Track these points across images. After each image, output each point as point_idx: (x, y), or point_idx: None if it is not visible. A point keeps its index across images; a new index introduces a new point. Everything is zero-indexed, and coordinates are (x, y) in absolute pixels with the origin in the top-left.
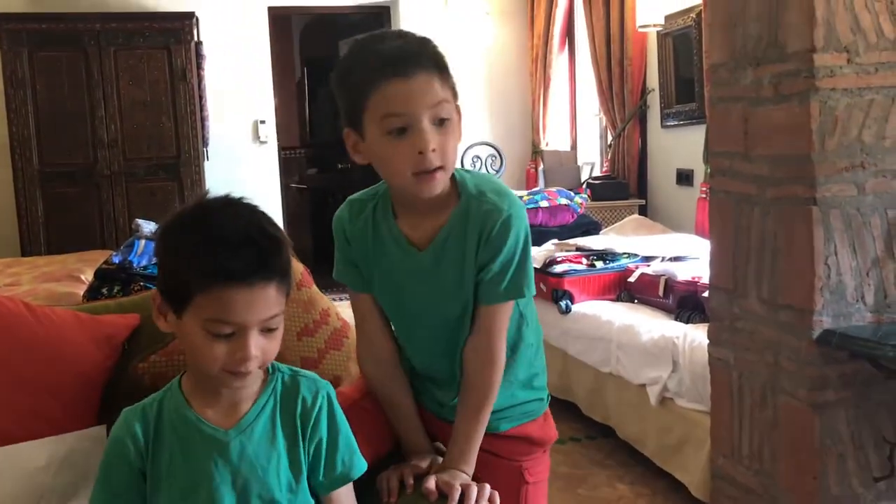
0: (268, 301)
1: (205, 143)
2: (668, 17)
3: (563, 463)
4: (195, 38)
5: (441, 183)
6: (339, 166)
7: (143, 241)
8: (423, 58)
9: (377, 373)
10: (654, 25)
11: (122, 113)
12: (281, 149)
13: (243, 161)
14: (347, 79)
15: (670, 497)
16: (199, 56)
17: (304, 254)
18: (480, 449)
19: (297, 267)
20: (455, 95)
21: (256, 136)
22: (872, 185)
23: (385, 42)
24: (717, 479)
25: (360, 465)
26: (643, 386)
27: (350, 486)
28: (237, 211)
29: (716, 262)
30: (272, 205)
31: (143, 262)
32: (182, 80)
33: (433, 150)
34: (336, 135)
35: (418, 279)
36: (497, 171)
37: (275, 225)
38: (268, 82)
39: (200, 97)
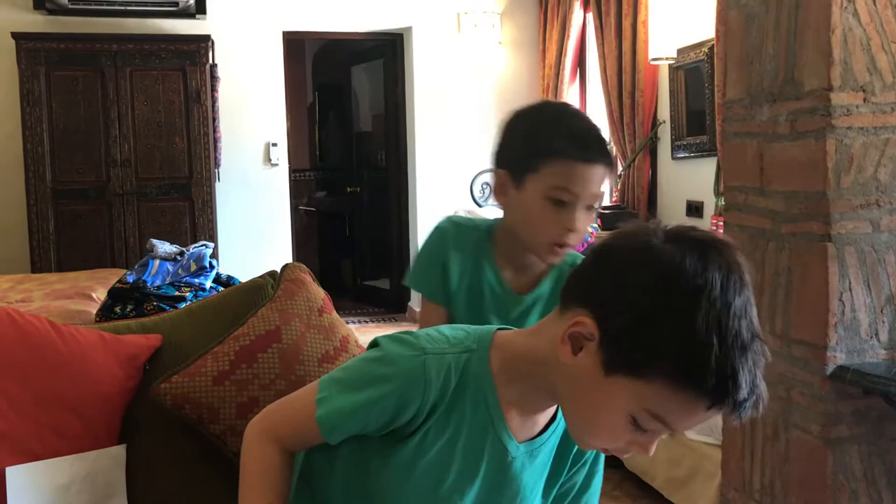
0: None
1: (217, 165)
2: (680, 51)
3: None
4: (210, 61)
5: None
6: (348, 189)
7: (157, 262)
8: (605, 152)
9: None
10: (667, 59)
11: (136, 132)
12: (291, 171)
13: (254, 182)
14: (532, 134)
15: None
16: (214, 78)
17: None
18: None
19: (318, 292)
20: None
21: (268, 159)
22: (888, 223)
23: (580, 120)
24: None
25: None
26: None
27: None
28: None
29: None
30: (282, 226)
31: (157, 282)
32: (196, 101)
33: (578, 232)
34: (346, 159)
35: (511, 321)
36: None
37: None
38: (280, 106)
39: (214, 119)
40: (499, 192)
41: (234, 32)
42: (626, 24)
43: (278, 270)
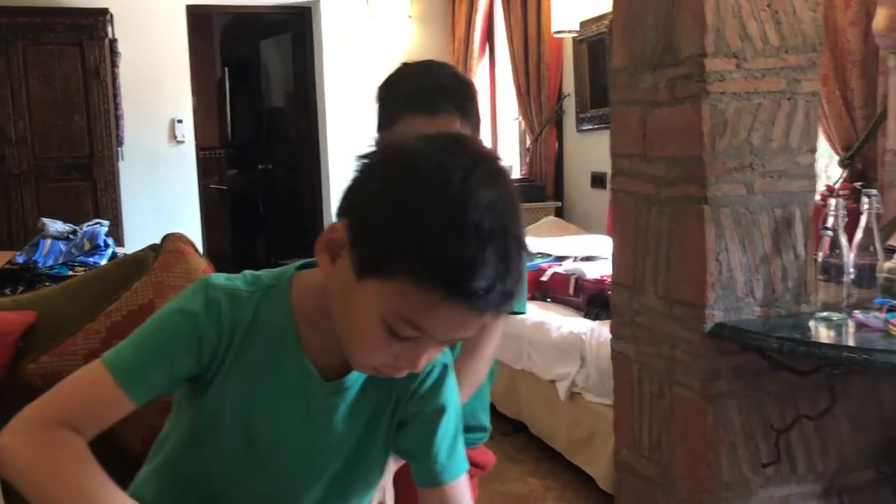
0: (477, 325)
1: (119, 143)
2: (582, 24)
3: None
4: (109, 35)
5: None
6: (260, 167)
7: (48, 241)
8: (450, 98)
9: None
10: (570, 31)
11: (31, 110)
12: (200, 149)
13: (160, 160)
14: (387, 94)
15: (579, 490)
16: (114, 53)
17: (223, 256)
18: None
19: (199, 263)
20: (474, 119)
21: (173, 136)
22: (761, 185)
23: (423, 77)
24: (621, 470)
25: (458, 468)
26: (553, 382)
27: (454, 488)
28: (514, 210)
29: (617, 259)
30: (190, 205)
31: (50, 262)
32: (95, 77)
33: None
34: (257, 135)
35: None
36: None
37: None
38: (185, 81)
39: (115, 95)
40: None
41: (135, 6)
42: None
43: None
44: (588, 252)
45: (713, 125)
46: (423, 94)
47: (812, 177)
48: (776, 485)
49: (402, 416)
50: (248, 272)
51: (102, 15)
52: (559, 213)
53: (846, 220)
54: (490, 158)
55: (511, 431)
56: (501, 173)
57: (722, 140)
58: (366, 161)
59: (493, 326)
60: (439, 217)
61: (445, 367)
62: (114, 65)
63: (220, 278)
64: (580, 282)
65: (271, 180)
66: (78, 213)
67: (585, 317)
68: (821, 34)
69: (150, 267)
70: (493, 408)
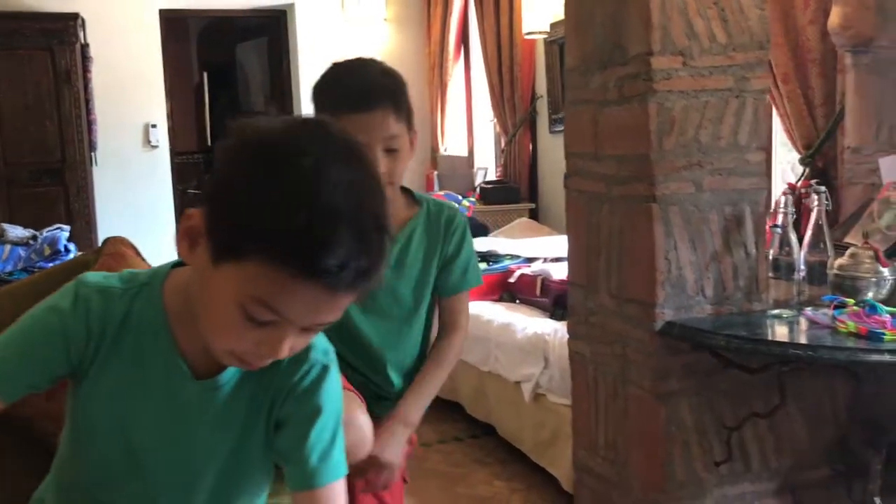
0: (339, 308)
1: (92, 148)
2: (553, 25)
3: (443, 462)
4: (81, 40)
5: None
6: None
7: (7, 246)
8: (380, 93)
9: None
10: (541, 32)
11: (2, 116)
12: (177, 154)
13: (133, 165)
14: (318, 96)
15: (544, 491)
16: (86, 58)
17: None
18: None
19: (141, 266)
20: (409, 116)
21: (147, 141)
22: (710, 183)
23: (350, 75)
24: (579, 470)
25: (332, 473)
26: (519, 383)
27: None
28: (370, 189)
29: (573, 259)
30: (165, 210)
31: (9, 268)
32: (66, 82)
33: (383, 172)
34: None
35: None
36: None
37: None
38: (159, 85)
39: (87, 101)
40: None
41: (107, 10)
42: None
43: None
44: (558, 253)
45: (660, 123)
46: (357, 93)
47: (762, 174)
48: (730, 483)
49: (279, 416)
50: (126, 270)
51: (73, 20)
52: (533, 214)
53: (795, 216)
54: (349, 140)
55: (480, 434)
56: (361, 155)
57: (669, 138)
58: (223, 147)
59: (460, 300)
60: (290, 195)
61: (325, 368)
62: (86, 69)
63: (96, 276)
64: (546, 282)
65: None
66: (50, 218)
67: (551, 317)
68: (768, 32)
69: (90, 270)
70: (461, 410)
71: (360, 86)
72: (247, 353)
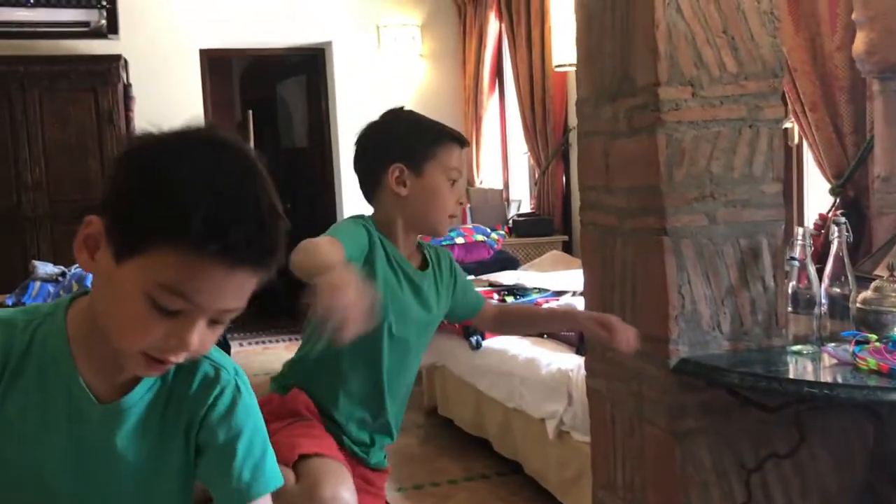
0: (245, 292)
1: None
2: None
3: (469, 500)
4: (123, 81)
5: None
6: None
7: (37, 283)
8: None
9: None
10: (570, 65)
11: (46, 155)
12: None
13: None
14: (418, 129)
15: None
16: (128, 98)
17: None
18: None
19: None
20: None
21: None
22: (723, 215)
23: (452, 129)
24: None
25: (266, 485)
26: (544, 420)
27: None
28: (253, 169)
29: (588, 292)
30: None
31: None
32: (109, 122)
33: (460, 203)
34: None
35: (411, 303)
36: None
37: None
38: (200, 123)
39: (129, 139)
40: (397, 182)
41: (149, 51)
42: (535, 32)
43: None
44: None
45: (669, 155)
46: (455, 132)
47: (779, 206)
48: None
49: (199, 442)
50: (30, 304)
51: (116, 61)
52: (566, 246)
53: (812, 248)
54: (237, 139)
55: (507, 472)
56: (249, 151)
57: (680, 170)
58: (118, 157)
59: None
60: (189, 183)
61: (237, 387)
62: (128, 109)
63: (1, 311)
64: None
65: (291, 218)
66: None
67: (577, 353)
68: (781, 60)
69: None
70: (489, 447)
71: (449, 126)
72: (155, 348)
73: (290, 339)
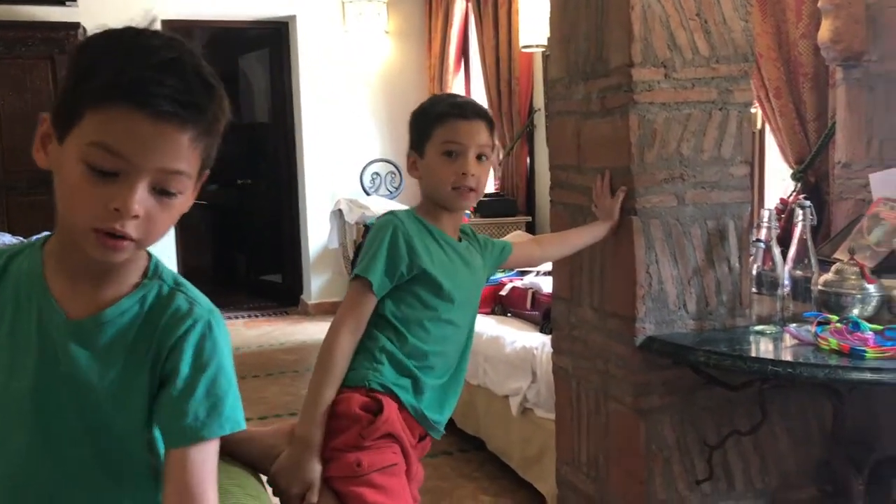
0: (176, 149)
1: None
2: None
3: (432, 476)
4: None
5: (472, 202)
6: (239, 182)
7: None
8: (481, 111)
9: (347, 359)
10: (538, 46)
11: (1, 124)
12: None
13: None
14: (422, 115)
15: None
16: None
17: (202, 272)
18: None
19: None
20: (495, 147)
21: None
22: (692, 196)
23: (459, 96)
24: (561, 486)
25: (222, 426)
26: (507, 397)
27: (207, 450)
28: (179, 43)
29: (556, 272)
30: None
31: None
32: None
33: (472, 175)
34: (238, 150)
35: (463, 267)
36: (396, 189)
37: (216, 78)
38: None
39: None
40: (411, 168)
41: (108, 20)
42: (502, 12)
43: None
44: (551, 267)
45: (641, 136)
46: (462, 104)
47: (746, 188)
48: (713, 502)
49: (162, 375)
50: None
51: (74, 29)
52: (530, 227)
53: (779, 231)
54: (169, 34)
55: (469, 448)
56: (178, 38)
57: (651, 151)
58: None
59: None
60: (116, 53)
61: (209, 326)
62: None
63: None
64: (537, 296)
65: (251, 196)
66: (47, 227)
67: (541, 331)
68: (752, 44)
69: None
70: (452, 424)
71: (465, 100)
72: (101, 217)
73: (248, 316)
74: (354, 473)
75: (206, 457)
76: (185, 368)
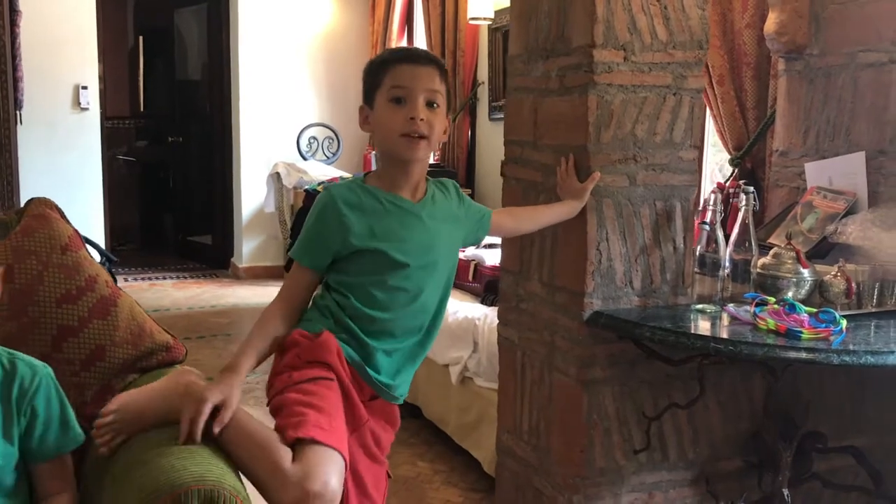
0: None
1: (18, 106)
2: (497, 12)
3: None
4: None
5: (423, 151)
6: (171, 139)
7: None
8: (432, 57)
9: (278, 326)
10: (485, 19)
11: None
12: (107, 118)
13: (61, 127)
14: (372, 64)
15: (466, 474)
16: (14, 11)
17: (129, 229)
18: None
19: (65, 229)
20: (449, 96)
21: (77, 102)
22: (643, 178)
23: (409, 48)
24: (501, 453)
25: (75, 440)
26: (447, 366)
27: (63, 459)
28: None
29: (506, 245)
30: (92, 174)
31: None
32: None
33: (421, 120)
34: (169, 107)
35: (419, 230)
36: (334, 154)
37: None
38: (92, 47)
39: (14, 56)
40: (363, 122)
41: None
42: None
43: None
44: (492, 240)
45: (599, 116)
46: (413, 51)
47: (694, 172)
48: (648, 471)
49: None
50: None
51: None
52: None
53: (723, 215)
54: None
55: (406, 415)
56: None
57: (607, 131)
58: None
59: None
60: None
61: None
62: (13, 24)
63: None
64: (479, 268)
65: (183, 154)
66: None
67: (482, 303)
68: (707, 32)
69: (12, 231)
70: None
71: (416, 49)
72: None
73: (176, 277)
74: (285, 385)
75: (63, 463)
76: (42, 410)
